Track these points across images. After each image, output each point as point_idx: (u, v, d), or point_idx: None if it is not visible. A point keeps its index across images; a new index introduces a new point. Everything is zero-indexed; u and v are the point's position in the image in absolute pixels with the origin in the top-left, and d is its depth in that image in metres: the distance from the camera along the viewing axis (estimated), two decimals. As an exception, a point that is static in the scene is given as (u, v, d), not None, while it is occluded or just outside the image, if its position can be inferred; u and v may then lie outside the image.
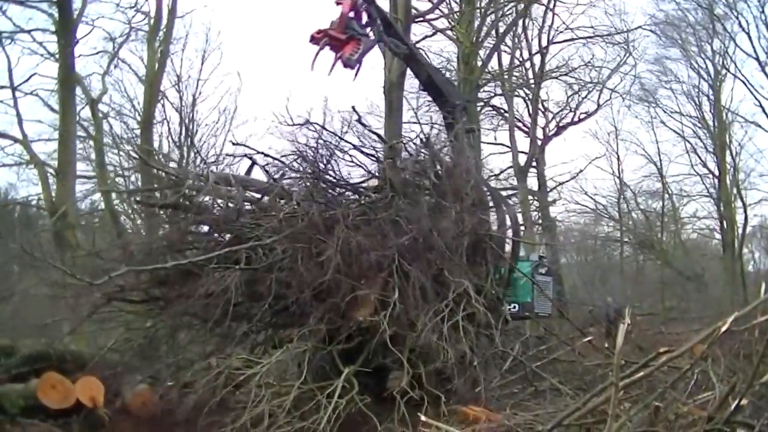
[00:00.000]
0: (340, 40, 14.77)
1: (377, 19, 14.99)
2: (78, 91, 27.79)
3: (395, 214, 12.76)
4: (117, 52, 32.14)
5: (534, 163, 41.16)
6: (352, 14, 14.58)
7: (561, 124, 43.70)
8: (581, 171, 46.36)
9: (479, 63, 34.54)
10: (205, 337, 13.02)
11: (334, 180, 14.34)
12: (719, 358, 9.09)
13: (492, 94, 40.18)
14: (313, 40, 14.15)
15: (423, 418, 9.23)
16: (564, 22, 39.64)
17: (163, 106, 33.72)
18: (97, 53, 32.04)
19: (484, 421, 10.51)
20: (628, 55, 41.65)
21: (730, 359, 9.88)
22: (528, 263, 17.52)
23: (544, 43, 40.19)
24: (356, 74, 14.34)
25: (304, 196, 13.33)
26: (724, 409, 7.52)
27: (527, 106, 42.67)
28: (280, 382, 11.02)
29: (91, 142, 32.98)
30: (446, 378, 11.56)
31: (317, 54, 13.87)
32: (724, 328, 7.47)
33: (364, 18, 14.75)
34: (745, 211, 45.54)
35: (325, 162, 14.20)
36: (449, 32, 35.04)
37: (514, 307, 15.63)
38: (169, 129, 36.81)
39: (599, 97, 43.25)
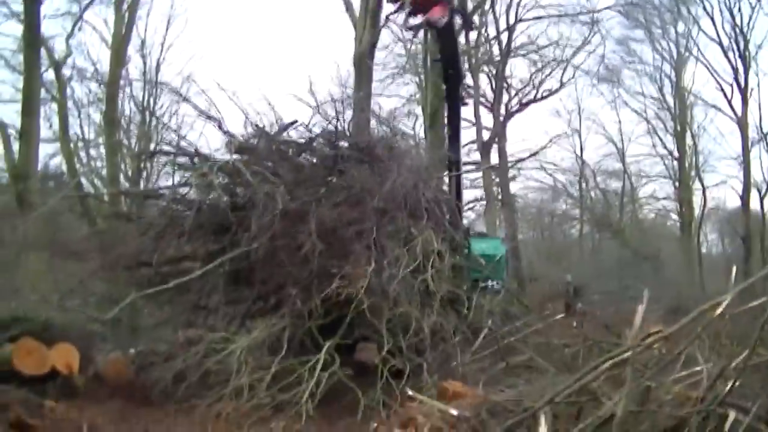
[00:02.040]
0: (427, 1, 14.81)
1: None
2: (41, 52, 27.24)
3: (360, 185, 12.62)
4: (82, 14, 31.48)
5: (496, 139, 41.29)
6: None
7: (524, 101, 43.87)
8: (542, 148, 46.63)
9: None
10: (182, 309, 12.87)
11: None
12: (704, 341, 9.09)
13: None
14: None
15: (410, 392, 9.24)
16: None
17: (126, 70, 33.14)
18: (62, 15, 31.39)
19: (466, 397, 10.53)
20: (593, 34, 41.86)
21: (713, 341, 9.91)
22: (499, 240, 17.58)
23: (512, 20, 40.21)
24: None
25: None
26: (713, 390, 7.58)
27: (491, 82, 42.72)
28: (260, 356, 10.94)
29: (54, 105, 32.33)
30: (421, 351, 11.51)
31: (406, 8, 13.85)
32: (718, 312, 7.51)
33: None
34: (704, 194, 46.15)
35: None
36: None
37: (497, 284, 15.70)
38: (132, 93, 36.23)
39: (563, 76, 43.43)
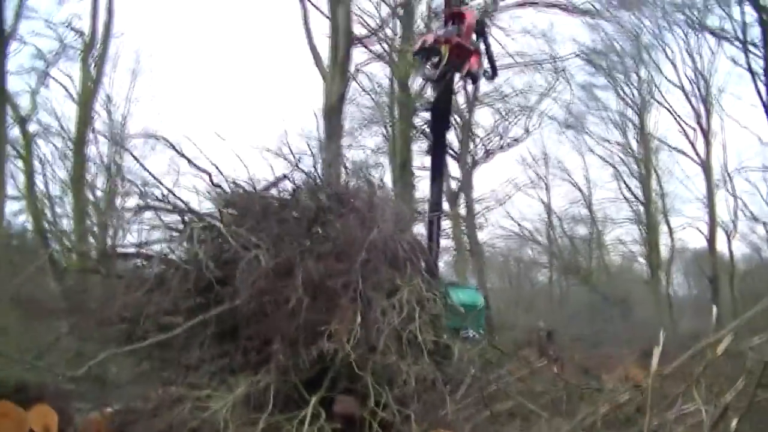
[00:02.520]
0: (467, 51, 14.78)
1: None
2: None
3: (344, 236, 12.51)
4: (48, 70, 31.36)
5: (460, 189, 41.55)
6: None
7: (489, 150, 44.06)
8: (509, 197, 46.88)
9: (414, 87, 34.65)
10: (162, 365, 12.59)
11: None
12: (699, 382, 9.06)
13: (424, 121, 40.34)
14: (427, 48, 14.14)
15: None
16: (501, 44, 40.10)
17: (93, 127, 32.93)
18: (28, 71, 31.28)
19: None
20: (557, 81, 42.26)
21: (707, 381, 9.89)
22: (474, 289, 17.53)
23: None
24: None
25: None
26: (716, 429, 7.54)
27: (456, 131, 42.90)
28: (245, 412, 10.72)
29: (19, 162, 31.94)
30: (407, 401, 11.36)
31: (443, 65, 13.86)
32: (720, 350, 7.51)
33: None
34: (671, 236, 46.60)
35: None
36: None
37: (475, 333, 15.65)
38: (98, 150, 35.95)
39: (528, 123, 43.76)
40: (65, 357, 12.52)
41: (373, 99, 40.26)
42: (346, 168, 14.87)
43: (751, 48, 34.70)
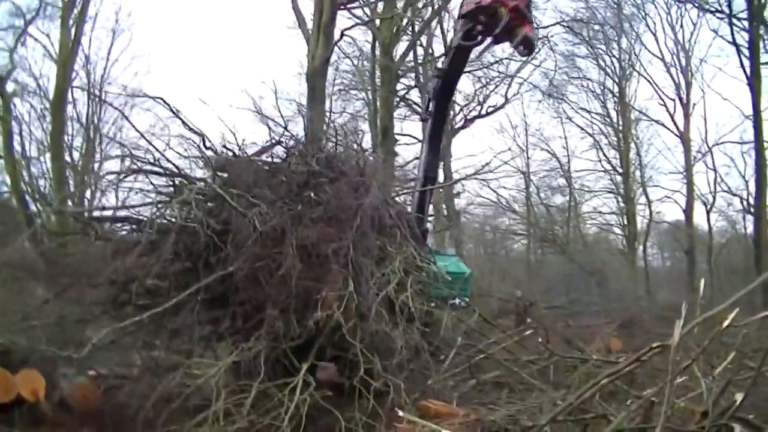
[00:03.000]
0: (524, 17, 14.74)
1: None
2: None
3: (335, 202, 12.37)
4: (26, 29, 30.80)
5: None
6: None
7: (469, 117, 43.86)
8: (486, 164, 46.83)
9: (397, 54, 34.50)
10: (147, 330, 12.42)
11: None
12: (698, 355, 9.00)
13: (406, 87, 40.22)
14: (483, 7, 14.15)
15: (401, 413, 9.04)
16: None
17: (81, 87, 32.49)
18: (6, 29, 30.74)
19: (450, 416, 10.36)
20: (538, 50, 42.05)
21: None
22: (455, 258, 17.50)
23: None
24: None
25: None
26: (718, 404, 7.50)
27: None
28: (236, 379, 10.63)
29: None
30: (397, 370, 11.29)
31: (502, 25, 13.88)
32: (725, 324, 7.44)
33: None
34: (650, 208, 46.73)
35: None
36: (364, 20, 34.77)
37: (462, 301, 15.64)
38: (76, 110, 35.47)
39: (507, 91, 43.50)
40: (51, 322, 12.32)
41: (353, 64, 40.07)
42: (334, 133, 14.63)
43: (734, 21, 34.70)
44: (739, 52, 33.99)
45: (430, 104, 18.29)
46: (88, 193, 32.92)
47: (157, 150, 12.33)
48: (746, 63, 33.73)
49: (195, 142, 12.84)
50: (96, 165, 36.24)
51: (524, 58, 27.39)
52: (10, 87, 31.98)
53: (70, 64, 29.62)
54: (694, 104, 44.12)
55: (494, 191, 50.04)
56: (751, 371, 8.40)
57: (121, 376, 12.43)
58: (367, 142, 36.56)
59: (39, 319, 12.10)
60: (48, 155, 31.99)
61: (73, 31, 29.35)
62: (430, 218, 38.52)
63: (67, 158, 33.91)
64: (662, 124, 45.38)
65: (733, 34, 34.49)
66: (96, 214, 12.99)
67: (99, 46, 38.18)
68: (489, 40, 16.38)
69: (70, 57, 29.22)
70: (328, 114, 31.24)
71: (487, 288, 43.06)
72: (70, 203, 28.52)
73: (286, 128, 13.54)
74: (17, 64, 32.27)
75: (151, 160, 12.39)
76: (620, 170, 47.01)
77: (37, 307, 12.58)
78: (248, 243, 10.98)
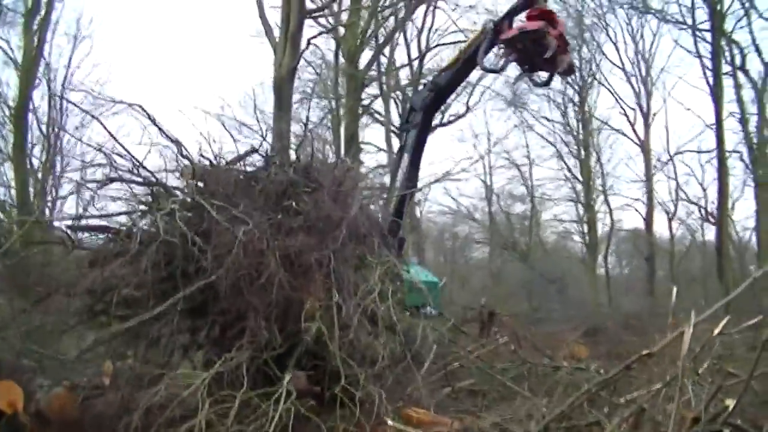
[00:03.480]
0: (567, 43, 14.96)
1: None
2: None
3: (316, 211, 12.34)
4: (-14, 35, 30.33)
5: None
6: None
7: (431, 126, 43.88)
8: (447, 173, 46.94)
9: (361, 63, 34.59)
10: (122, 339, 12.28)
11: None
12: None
13: (370, 96, 40.34)
14: (527, 32, 14.36)
15: (390, 422, 9.04)
16: (452, 20, 40.08)
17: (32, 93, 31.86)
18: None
19: (433, 424, 10.39)
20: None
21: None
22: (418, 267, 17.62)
23: (423, 45, 40.54)
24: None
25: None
26: (708, 410, 7.59)
27: (398, 107, 42.93)
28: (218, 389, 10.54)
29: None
30: (376, 378, 11.29)
31: (551, 52, 14.19)
32: (717, 331, 7.54)
33: None
34: (611, 216, 47.23)
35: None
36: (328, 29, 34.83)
37: (432, 311, 15.68)
38: (37, 117, 34.94)
39: (469, 100, 43.73)
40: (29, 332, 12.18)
41: (317, 72, 40.09)
42: (309, 142, 14.61)
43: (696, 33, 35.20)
44: (702, 62, 34.50)
45: (413, 115, 18.45)
46: (49, 202, 32.62)
47: (134, 158, 12.18)
48: (709, 74, 34.23)
49: (172, 150, 12.71)
50: (57, 173, 35.76)
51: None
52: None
53: (34, 70, 29.21)
54: (655, 114, 44.81)
55: (455, 199, 50.32)
56: (735, 377, 8.53)
57: (97, 386, 12.28)
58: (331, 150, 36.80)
59: (14, 329, 11.97)
60: (8, 164, 31.49)
61: (36, 37, 28.95)
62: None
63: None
64: (623, 134, 46.01)
65: (696, 45, 35.02)
66: (71, 223, 12.68)
67: (60, 53, 37.64)
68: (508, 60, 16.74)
69: (32, 63, 28.82)
70: (298, 123, 31.28)
71: (447, 296, 43.33)
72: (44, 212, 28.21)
73: (263, 137, 13.51)
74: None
75: (130, 168, 12.25)
76: (580, 179, 47.39)
77: (13, 316, 12.41)
78: (230, 252, 10.88)
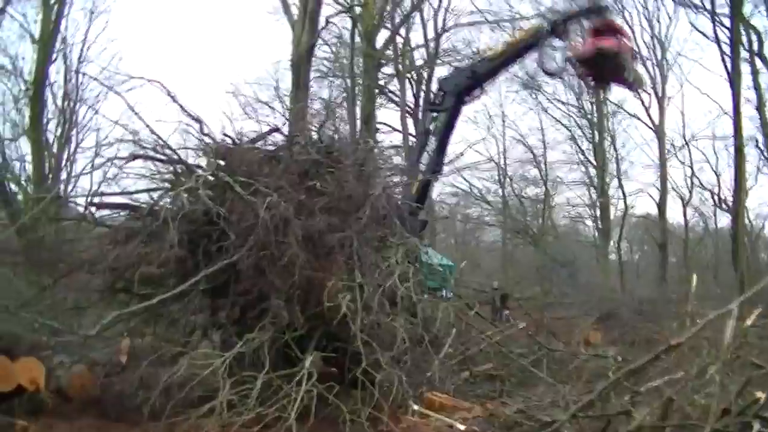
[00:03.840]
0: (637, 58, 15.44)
1: None
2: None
3: (338, 192, 12.26)
4: (5, 9, 30.06)
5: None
6: None
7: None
8: (460, 155, 46.80)
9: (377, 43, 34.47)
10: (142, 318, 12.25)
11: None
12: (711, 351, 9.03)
13: (386, 77, 40.24)
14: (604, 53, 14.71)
15: (415, 407, 8.99)
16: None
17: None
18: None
19: (456, 409, 10.36)
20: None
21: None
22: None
23: (440, 27, 40.36)
24: None
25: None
26: (737, 402, 7.52)
27: (412, 88, 42.76)
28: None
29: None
30: (397, 362, 11.22)
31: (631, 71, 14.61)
32: (749, 322, 7.46)
33: None
34: (624, 201, 46.96)
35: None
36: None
37: (447, 293, 15.70)
38: (53, 94, 34.83)
39: (484, 81, 43.42)
40: (49, 308, 12.15)
41: (332, 51, 39.96)
42: (332, 121, 14.55)
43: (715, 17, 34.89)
44: (720, 47, 34.19)
45: (444, 98, 18.60)
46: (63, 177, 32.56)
47: (158, 136, 12.10)
48: (728, 60, 33.89)
49: (194, 128, 12.64)
50: (72, 149, 35.70)
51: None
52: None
53: (51, 44, 29.06)
54: (670, 98, 44.41)
55: (467, 181, 50.09)
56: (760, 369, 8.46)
57: (117, 364, 12.26)
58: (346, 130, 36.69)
59: (36, 306, 11.95)
60: (24, 138, 31.38)
61: (54, 11, 28.80)
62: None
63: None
64: (638, 118, 45.62)
65: (715, 30, 34.70)
66: (92, 200, 12.63)
67: (76, 27, 37.31)
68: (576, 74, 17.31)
69: (50, 37, 28.62)
70: (314, 101, 31.20)
71: (458, 278, 43.23)
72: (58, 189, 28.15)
73: (285, 116, 13.44)
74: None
75: (153, 146, 12.18)
76: (594, 163, 47.17)
77: (35, 294, 12.40)
78: (253, 232, 10.80)
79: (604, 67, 16.50)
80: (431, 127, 20.79)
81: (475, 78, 18.60)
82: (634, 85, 16.59)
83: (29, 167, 30.30)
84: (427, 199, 17.22)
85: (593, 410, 8.06)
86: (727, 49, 33.75)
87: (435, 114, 19.90)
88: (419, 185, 17.13)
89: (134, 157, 12.08)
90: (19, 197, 27.86)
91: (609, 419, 7.94)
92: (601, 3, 17.51)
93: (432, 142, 18.26)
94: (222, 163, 12.46)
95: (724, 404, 7.54)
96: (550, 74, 18.14)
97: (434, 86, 42.17)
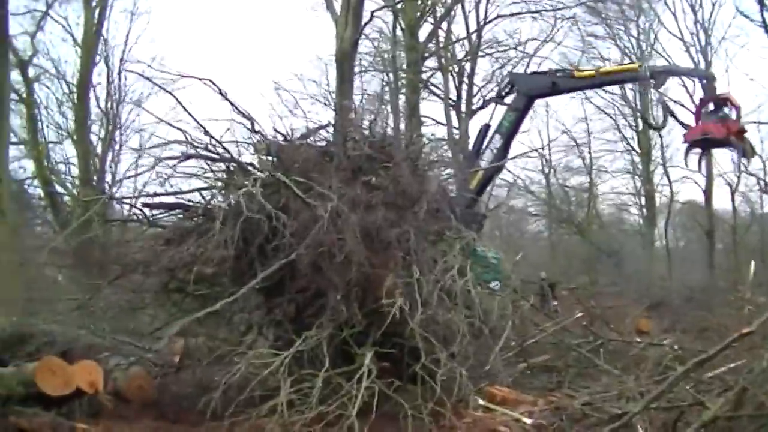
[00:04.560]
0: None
1: None
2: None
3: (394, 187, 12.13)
4: (48, 12, 30.30)
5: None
6: None
7: (486, 98, 43.52)
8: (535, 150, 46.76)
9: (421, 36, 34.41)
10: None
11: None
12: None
13: (429, 70, 40.12)
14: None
15: (480, 401, 8.88)
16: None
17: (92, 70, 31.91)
18: (27, 12, 30.27)
19: (519, 402, 10.25)
20: (557, 30, 41.90)
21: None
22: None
23: (481, 19, 40.14)
24: None
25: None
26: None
27: (454, 80, 42.53)
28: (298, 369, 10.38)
29: (22, 106, 30.93)
30: (456, 356, 11.08)
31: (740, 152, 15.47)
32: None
33: None
34: (671, 188, 46.46)
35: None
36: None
37: (498, 285, 15.62)
38: (96, 96, 34.97)
39: (526, 71, 43.10)
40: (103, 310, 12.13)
41: (374, 46, 39.89)
42: (383, 117, 14.46)
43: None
44: (766, 31, 33.72)
45: (515, 98, 18.93)
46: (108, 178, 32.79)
47: (211, 135, 12.01)
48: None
49: (245, 126, 12.55)
50: (116, 150, 35.89)
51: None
52: (31, 72, 31.61)
53: (94, 46, 29.23)
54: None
55: (511, 172, 49.76)
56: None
57: (172, 365, 12.27)
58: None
59: (94, 308, 11.97)
60: (68, 141, 31.61)
61: (96, 13, 28.96)
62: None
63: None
64: (681, 104, 45.03)
65: (762, 13, 34.19)
66: (145, 200, 12.61)
67: (117, 29, 37.57)
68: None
69: (93, 40, 28.85)
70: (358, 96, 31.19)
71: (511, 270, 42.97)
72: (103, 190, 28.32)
73: (337, 113, 13.33)
74: (38, 48, 31.98)
75: (205, 145, 12.12)
76: (638, 150, 46.75)
77: (93, 295, 12.40)
78: (312, 229, 10.69)
79: (711, 146, 17.64)
80: (491, 122, 20.99)
81: (554, 90, 19.09)
82: (746, 156, 17.50)
83: (74, 170, 30.53)
84: (487, 194, 17.27)
85: (662, 401, 7.91)
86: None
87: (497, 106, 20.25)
88: (480, 180, 17.19)
89: (188, 156, 12.00)
90: (66, 200, 28.09)
91: (682, 410, 7.78)
92: (709, 71, 18.27)
93: (496, 140, 18.52)
94: (274, 160, 12.40)
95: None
96: (651, 127, 19.09)
97: (504, 80, 42.47)
